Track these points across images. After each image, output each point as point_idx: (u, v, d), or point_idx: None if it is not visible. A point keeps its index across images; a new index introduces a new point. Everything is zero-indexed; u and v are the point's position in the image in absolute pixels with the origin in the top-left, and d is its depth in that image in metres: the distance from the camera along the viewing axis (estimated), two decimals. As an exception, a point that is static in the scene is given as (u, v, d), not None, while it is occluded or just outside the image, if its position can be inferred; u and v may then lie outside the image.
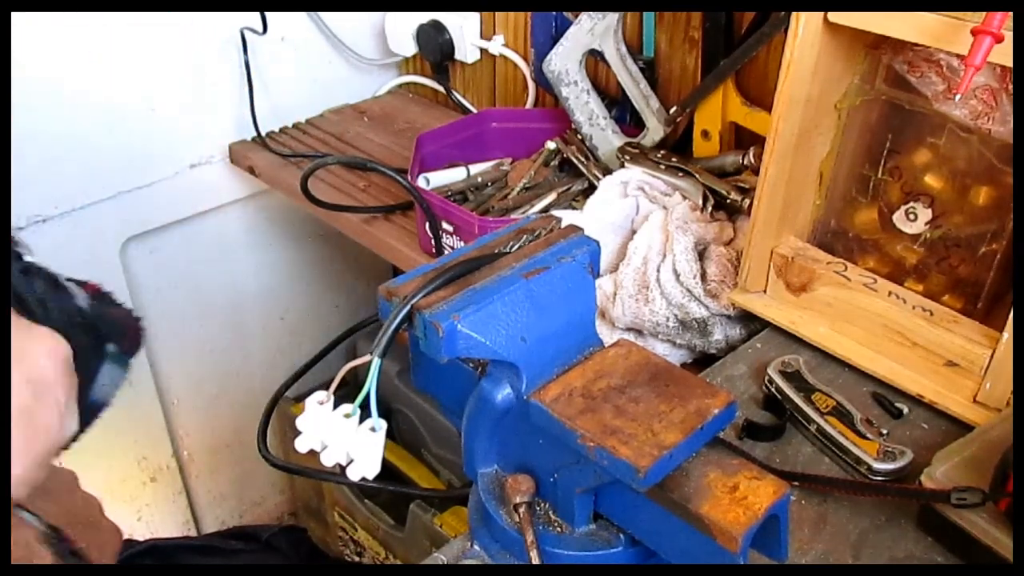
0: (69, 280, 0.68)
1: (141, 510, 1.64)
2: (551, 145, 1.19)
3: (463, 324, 0.53)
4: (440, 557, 0.65)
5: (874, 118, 0.82)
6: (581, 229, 0.63)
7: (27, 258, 0.63)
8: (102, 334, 0.67)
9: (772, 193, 0.84)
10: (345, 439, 0.54)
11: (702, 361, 0.93)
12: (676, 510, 0.52)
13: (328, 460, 0.55)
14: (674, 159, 1.05)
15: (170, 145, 1.38)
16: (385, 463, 0.56)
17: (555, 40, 1.17)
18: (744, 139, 1.10)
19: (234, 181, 1.48)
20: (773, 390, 0.80)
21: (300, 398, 1.40)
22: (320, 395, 0.55)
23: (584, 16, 1.12)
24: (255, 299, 1.66)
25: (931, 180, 0.80)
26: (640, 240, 0.94)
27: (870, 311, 0.82)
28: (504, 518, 0.59)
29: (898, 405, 0.80)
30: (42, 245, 1.37)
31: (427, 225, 1.09)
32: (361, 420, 0.54)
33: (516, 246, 0.61)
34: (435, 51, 1.42)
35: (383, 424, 0.54)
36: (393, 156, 1.37)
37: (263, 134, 1.42)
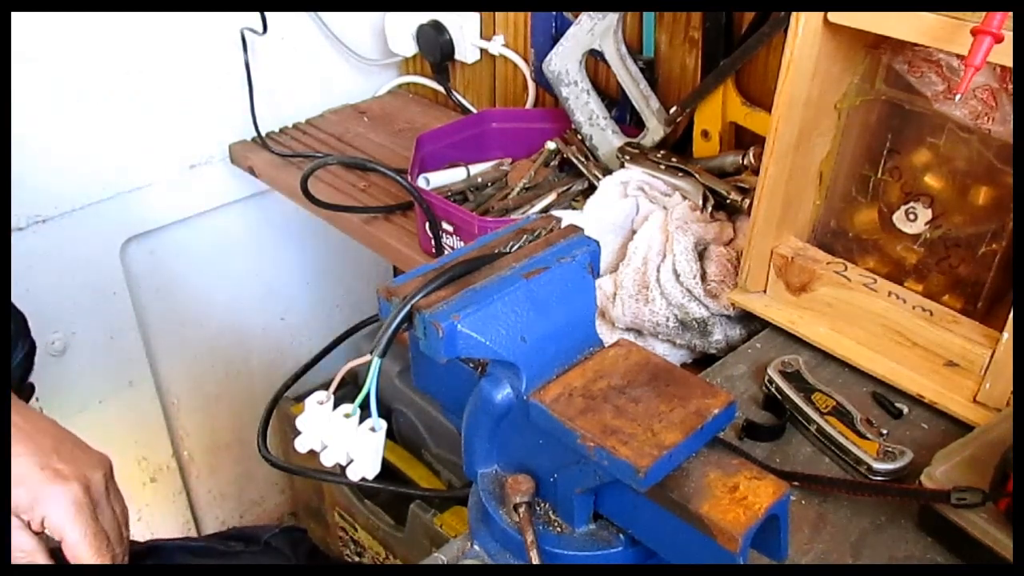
0: None
1: (141, 510, 1.64)
2: (551, 145, 1.19)
3: (463, 324, 0.53)
4: (440, 557, 0.65)
5: (874, 118, 0.82)
6: (581, 229, 0.63)
7: None
8: None
9: (772, 193, 0.84)
10: (345, 439, 0.54)
11: (702, 361, 0.93)
12: (676, 510, 0.52)
13: (328, 460, 0.55)
14: (674, 159, 1.05)
15: (170, 145, 1.38)
16: (385, 463, 0.56)
17: (555, 40, 1.17)
18: (744, 139, 1.10)
19: (234, 181, 1.48)
20: (773, 390, 0.80)
21: (300, 398, 1.40)
22: (320, 395, 0.55)
23: (584, 16, 1.12)
24: (255, 299, 1.66)
25: (931, 180, 0.80)
26: (640, 240, 0.94)
27: (870, 311, 0.82)
28: (504, 518, 0.59)
29: (898, 405, 0.80)
30: (42, 245, 1.38)
31: (427, 225, 1.09)
32: (361, 420, 0.54)
33: (516, 246, 0.61)
34: (435, 51, 1.42)
35: (383, 424, 0.54)
36: (393, 156, 1.36)
37: (263, 134, 1.42)
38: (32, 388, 0.95)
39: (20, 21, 1.16)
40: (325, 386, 0.55)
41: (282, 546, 1.02)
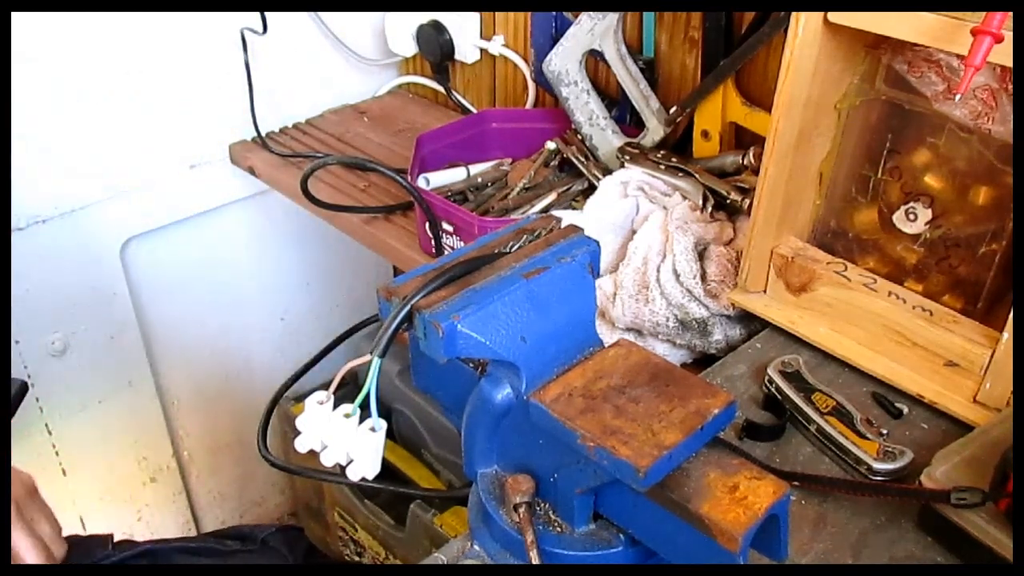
0: None
1: (141, 510, 1.64)
2: (551, 145, 1.19)
3: (463, 324, 0.53)
4: (440, 557, 0.65)
5: (874, 118, 0.82)
6: (581, 229, 0.63)
7: None
8: None
9: (772, 193, 0.84)
10: (345, 439, 0.54)
11: (702, 361, 0.93)
12: (676, 510, 0.52)
13: (328, 460, 0.55)
14: (674, 159, 1.05)
15: (170, 145, 1.38)
16: (385, 463, 0.56)
17: (555, 40, 1.17)
18: (744, 139, 1.10)
19: (234, 181, 1.48)
20: (773, 390, 0.80)
21: (300, 398, 1.39)
22: (320, 395, 0.55)
23: (584, 16, 1.12)
24: (255, 299, 1.66)
25: (931, 180, 0.80)
26: (640, 240, 0.94)
27: (870, 311, 0.82)
28: (504, 518, 0.59)
29: (898, 405, 0.80)
30: (42, 245, 1.39)
31: (427, 225, 1.09)
32: (361, 420, 0.54)
33: (516, 246, 0.61)
34: (435, 51, 1.42)
35: (383, 424, 0.54)
36: (393, 156, 1.36)
37: (263, 134, 1.42)
38: (25, 387, 0.95)
39: (20, 21, 1.16)
40: (325, 386, 0.55)
41: (279, 545, 1.02)
